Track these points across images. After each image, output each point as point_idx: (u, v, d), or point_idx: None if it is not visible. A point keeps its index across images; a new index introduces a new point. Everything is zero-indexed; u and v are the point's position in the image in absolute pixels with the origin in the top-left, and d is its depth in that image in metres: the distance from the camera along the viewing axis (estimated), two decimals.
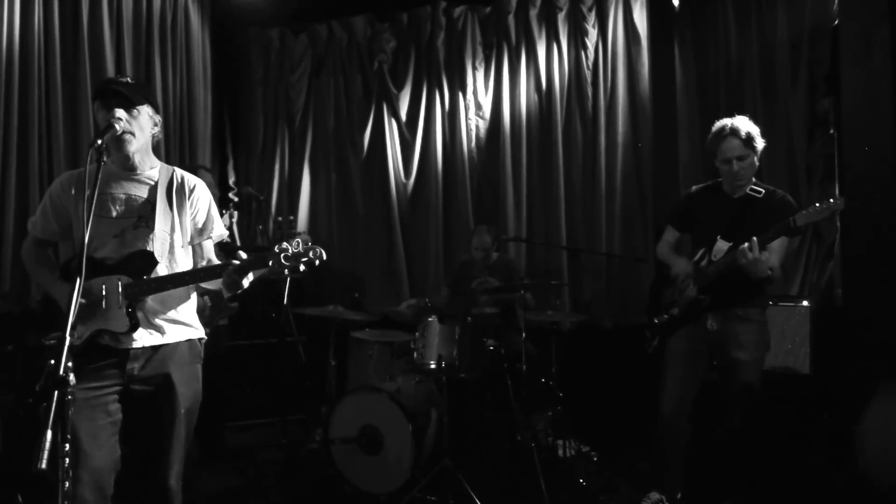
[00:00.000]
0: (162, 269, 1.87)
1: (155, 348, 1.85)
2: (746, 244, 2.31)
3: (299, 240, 1.74)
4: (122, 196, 1.87)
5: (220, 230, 2.06)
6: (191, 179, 2.01)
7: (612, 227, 4.27)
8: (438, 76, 4.57)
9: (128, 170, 1.90)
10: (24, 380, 2.70)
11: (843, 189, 2.26)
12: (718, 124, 2.58)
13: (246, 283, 1.83)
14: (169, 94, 4.11)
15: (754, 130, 2.51)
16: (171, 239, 1.91)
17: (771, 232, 2.34)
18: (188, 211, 1.97)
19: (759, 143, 2.52)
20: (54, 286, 1.87)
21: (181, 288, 1.88)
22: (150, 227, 1.86)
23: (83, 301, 1.71)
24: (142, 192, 1.90)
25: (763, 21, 3.88)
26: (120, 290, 1.79)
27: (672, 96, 4.18)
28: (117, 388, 1.79)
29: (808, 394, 3.04)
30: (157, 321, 1.87)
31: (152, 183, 1.92)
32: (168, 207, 1.91)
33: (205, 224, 2.01)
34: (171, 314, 1.90)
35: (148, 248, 1.84)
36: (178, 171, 2.00)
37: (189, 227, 1.98)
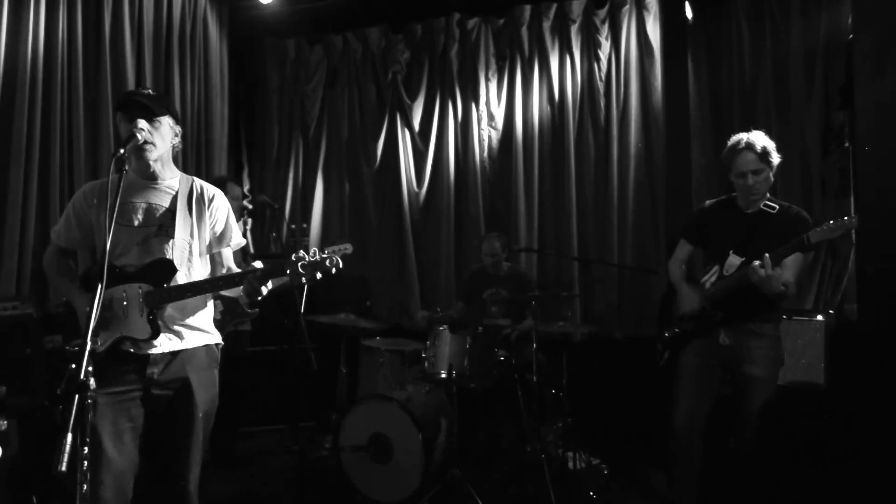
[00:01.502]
0: (181, 277, 1.90)
1: (174, 353, 1.88)
2: (758, 262, 2.30)
3: (315, 248, 1.77)
4: (144, 205, 1.91)
5: (238, 239, 2.09)
6: (210, 189, 2.04)
7: (623, 238, 4.27)
8: (452, 87, 4.61)
9: (148, 179, 1.94)
10: (43, 383, 2.74)
11: (857, 203, 2.25)
12: (734, 138, 2.57)
13: (265, 290, 1.86)
14: (187, 103, 4.18)
15: (770, 145, 2.51)
16: (190, 247, 1.94)
17: (785, 248, 2.33)
18: (207, 220, 2.00)
19: (775, 158, 2.51)
20: (74, 295, 1.91)
21: (199, 295, 1.91)
22: (170, 235, 1.89)
23: (106, 309, 1.74)
24: (163, 201, 1.93)
25: (777, 34, 3.87)
26: (141, 297, 1.83)
27: (685, 108, 4.18)
28: (138, 393, 1.82)
29: (823, 409, 3.00)
30: (176, 327, 1.90)
31: (173, 192, 1.96)
32: (188, 216, 1.94)
33: (223, 233, 2.05)
34: (190, 320, 1.94)
35: (167, 257, 1.88)
36: (198, 181, 2.04)
37: (207, 235, 2.01)
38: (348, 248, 3.34)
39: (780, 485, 2.71)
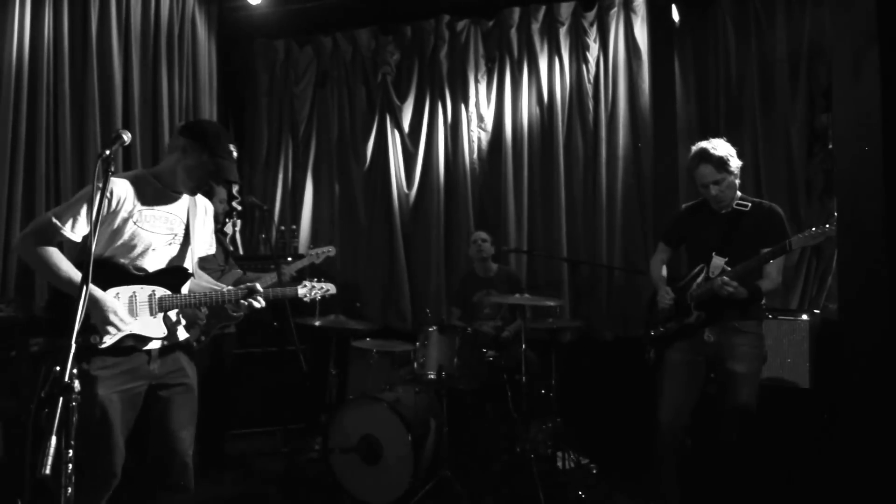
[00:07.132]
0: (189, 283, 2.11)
1: (172, 346, 2.08)
2: (719, 280, 2.41)
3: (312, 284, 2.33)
4: (164, 213, 2.04)
5: (214, 247, 2.33)
6: (206, 202, 2.25)
7: (612, 239, 4.29)
8: (441, 88, 4.62)
9: (170, 188, 2.05)
10: (28, 386, 2.72)
11: (837, 205, 2.31)
12: (693, 149, 2.60)
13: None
14: (175, 103, 4.16)
15: (728, 153, 2.52)
16: (194, 254, 2.13)
17: (766, 254, 2.39)
18: (207, 229, 2.23)
19: (735, 165, 2.53)
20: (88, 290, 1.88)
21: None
22: (185, 243, 2.08)
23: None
24: (178, 212, 2.08)
25: (762, 37, 3.92)
26: (155, 301, 2.00)
27: (672, 110, 4.21)
28: (144, 388, 1.99)
29: (807, 407, 3.04)
30: (173, 324, 2.10)
31: (185, 203, 2.10)
32: (194, 226, 2.12)
33: (209, 241, 2.27)
34: (177, 317, 2.13)
35: (182, 264, 2.08)
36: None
37: (203, 243, 2.24)
38: (331, 250, 3.47)
39: (765, 482, 2.74)
